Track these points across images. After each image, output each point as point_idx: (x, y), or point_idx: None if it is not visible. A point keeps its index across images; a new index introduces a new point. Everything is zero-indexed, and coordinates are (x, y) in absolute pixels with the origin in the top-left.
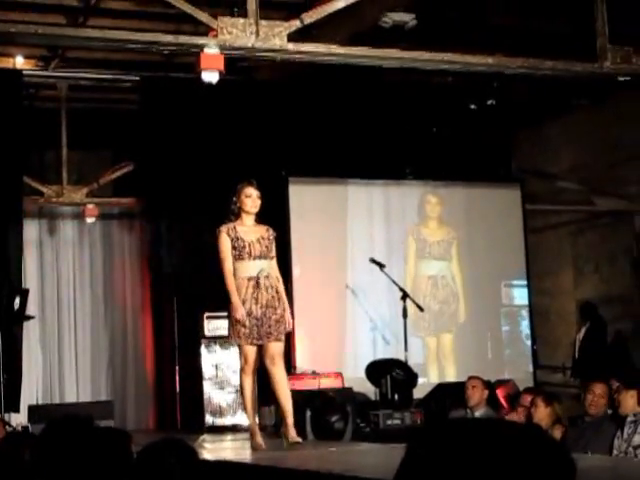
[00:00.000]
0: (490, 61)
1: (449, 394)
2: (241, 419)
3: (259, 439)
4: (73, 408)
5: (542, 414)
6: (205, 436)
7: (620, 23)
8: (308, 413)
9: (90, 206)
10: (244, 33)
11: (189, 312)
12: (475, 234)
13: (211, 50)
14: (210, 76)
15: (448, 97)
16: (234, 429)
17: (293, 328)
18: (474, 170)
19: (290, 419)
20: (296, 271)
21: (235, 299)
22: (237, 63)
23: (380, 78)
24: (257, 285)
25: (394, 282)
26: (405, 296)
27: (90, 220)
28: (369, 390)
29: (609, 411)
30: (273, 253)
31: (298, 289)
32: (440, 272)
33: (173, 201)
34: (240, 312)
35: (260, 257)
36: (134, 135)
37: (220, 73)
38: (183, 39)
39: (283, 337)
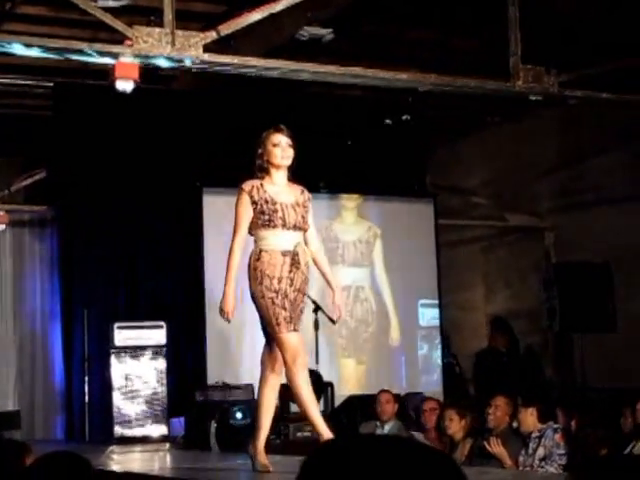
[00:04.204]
0: (404, 77)
1: (359, 407)
2: (150, 430)
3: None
4: None
5: (456, 427)
6: (114, 447)
7: (533, 43)
8: (213, 425)
9: (0, 213)
10: (160, 43)
11: (100, 322)
12: (389, 249)
13: (126, 59)
14: (124, 85)
15: (363, 111)
16: (143, 440)
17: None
18: (388, 185)
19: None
20: (209, 281)
21: (228, 288)
22: (157, 72)
23: (299, 90)
24: (294, 262)
25: (307, 295)
26: (317, 308)
27: (0, 227)
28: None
29: (514, 424)
30: (309, 223)
31: (210, 299)
32: (356, 282)
33: (86, 209)
34: (229, 304)
35: (295, 228)
36: (47, 142)
37: (135, 82)
38: (98, 47)
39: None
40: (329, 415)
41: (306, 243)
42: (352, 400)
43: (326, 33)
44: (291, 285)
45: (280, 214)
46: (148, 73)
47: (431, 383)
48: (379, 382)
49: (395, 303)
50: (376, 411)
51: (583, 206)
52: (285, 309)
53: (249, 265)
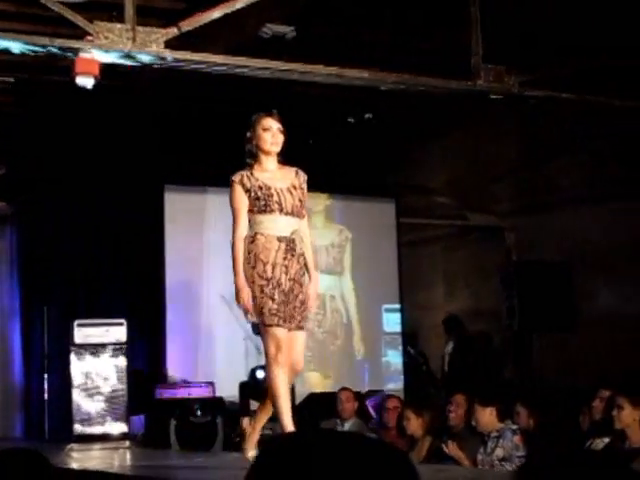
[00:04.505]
0: (365, 75)
1: (320, 404)
2: (110, 428)
3: None
4: None
5: (414, 426)
6: (73, 445)
7: (494, 43)
8: (173, 422)
9: None
10: (120, 39)
11: (60, 319)
12: (354, 250)
13: (86, 54)
14: (85, 81)
15: (326, 110)
16: (103, 438)
17: (164, 335)
18: (351, 184)
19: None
20: (170, 279)
21: (239, 281)
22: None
23: (260, 88)
24: (290, 250)
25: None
26: None
27: None
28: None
29: (473, 423)
30: (305, 210)
31: (171, 297)
32: (328, 291)
33: (46, 206)
34: (245, 297)
35: (292, 213)
36: (7, 138)
37: (95, 78)
38: (59, 42)
39: (305, 326)
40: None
41: None
42: (313, 398)
43: (288, 31)
44: (286, 273)
45: (276, 198)
46: (110, 69)
47: (393, 382)
48: (341, 381)
49: (359, 309)
50: (336, 409)
51: (543, 206)
52: (273, 300)
53: (243, 248)
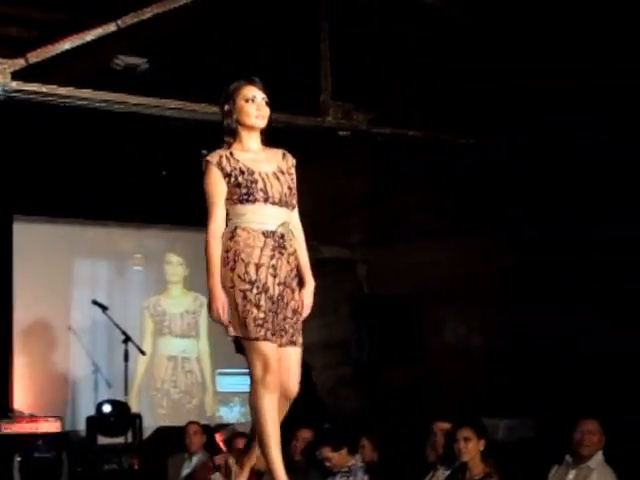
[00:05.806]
0: (216, 110)
1: (168, 438)
2: None
3: None
4: None
5: (259, 460)
6: None
7: (343, 79)
8: (17, 458)
9: None
10: None
11: None
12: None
13: None
14: None
15: (180, 141)
16: None
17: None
18: (204, 215)
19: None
20: (18, 310)
21: (213, 282)
22: None
23: (113, 116)
24: (279, 247)
25: (116, 325)
26: (127, 339)
27: None
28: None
29: (318, 456)
30: (295, 199)
31: (19, 329)
32: (182, 353)
33: None
34: (218, 298)
35: (280, 203)
36: None
37: None
38: None
39: (301, 340)
40: (137, 447)
41: None
42: (161, 431)
43: (141, 62)
44: (274, 276)
45: (261, 185)
46: None
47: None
48: (190, 413)
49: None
50: (184, 443)
51: (394, 239)
52: (259, 307)
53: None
